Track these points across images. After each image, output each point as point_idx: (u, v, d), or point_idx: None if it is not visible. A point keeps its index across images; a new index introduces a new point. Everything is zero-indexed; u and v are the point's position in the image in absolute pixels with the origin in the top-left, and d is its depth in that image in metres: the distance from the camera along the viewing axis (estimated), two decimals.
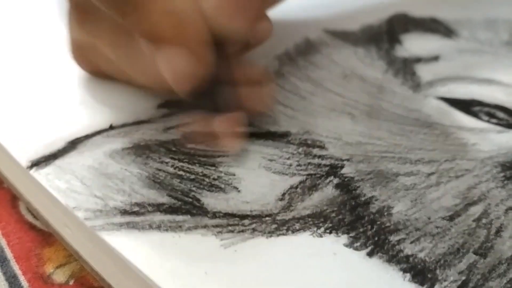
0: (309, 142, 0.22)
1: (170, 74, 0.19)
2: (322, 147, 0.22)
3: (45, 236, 0.20)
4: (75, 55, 0.24)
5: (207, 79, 0.19)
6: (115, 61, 0.22)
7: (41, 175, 0.19)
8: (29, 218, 0.21)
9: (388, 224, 0.18)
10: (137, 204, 0.18)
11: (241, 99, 0.21)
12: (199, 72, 0.19)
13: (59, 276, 0.19)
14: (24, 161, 0.20)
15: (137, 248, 0.17)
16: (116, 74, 0.23)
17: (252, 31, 0.21)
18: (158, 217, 0.18)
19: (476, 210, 0.19)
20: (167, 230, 0.17)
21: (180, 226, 0.18)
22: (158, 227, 0.17)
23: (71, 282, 0.19)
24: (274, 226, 0.18)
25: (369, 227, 0.18)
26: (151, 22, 0.19)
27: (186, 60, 0.19)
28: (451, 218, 0.18)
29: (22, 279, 0.19)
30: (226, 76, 0.20)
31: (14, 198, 0.22)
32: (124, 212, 0.18)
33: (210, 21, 0.19)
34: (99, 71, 0.24)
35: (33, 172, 0.19)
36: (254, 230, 0.17)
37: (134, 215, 0.18)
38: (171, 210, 0.18)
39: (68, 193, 0.19)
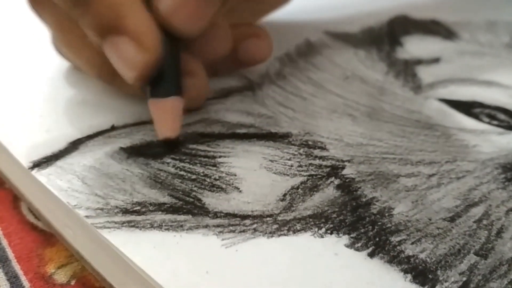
0: (310, 143, 0.22)
1: (117, 62, 0.20)
2: (323, 148, 0.22)
3: (46, 237, 0.20)
4: (55, 45, 0.24)
5: (154, 67, 0.20)
6: (60, 46, 0.24)
7: (42, 175, 0.19)
8: (31, 218, 0.21)
9: (389, 225, 0.18)
10: (138, 203, 0.18)
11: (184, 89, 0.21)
12: (144, 59, 0.19)
13: (61, 277, 0.19)
14: (26, 162, 0.20)
15: (138, 246, 0.17)
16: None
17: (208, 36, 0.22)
18: (159, 217, 0.18)
19: (477, 211, 0.19)
20: (168, 229, 0.17)
21: (182, 226, 0.18)
22: (159, 227, 0.18)
23: (73, 283, 0.19)
24: (275, 226, 0.18)
25: (370, 228, 0.18)
26: (97, 13, 0.19)
27: (129, 47, 0.19)
28: (452, 219, 0.18)
29: (24, 279, 0.19)
30: (175, 65, 0.21)
31: (15, 198, 0.22)
32: (125, 211, 0.18)
33: (164, 21, 0.20)
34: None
35: (35, 172, 0.19)
36: (255, 230, 0.18)
37: (135, 214, 0.18)
38: (172, 209, 0.18)
39: (70, 192, 0.19)
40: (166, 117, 0.20)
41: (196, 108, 0.23)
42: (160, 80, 0.20)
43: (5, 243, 0.20)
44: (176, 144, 0.21)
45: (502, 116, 0.24)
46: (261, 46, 0.24)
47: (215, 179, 0.20)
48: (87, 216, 0.18)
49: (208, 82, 0.23)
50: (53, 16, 0.22)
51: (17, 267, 0.19)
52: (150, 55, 0.19)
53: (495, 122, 0.24)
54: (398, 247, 0.17)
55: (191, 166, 0.20)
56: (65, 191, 0.19)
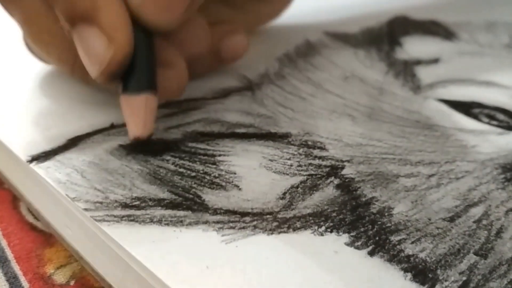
0: (309, 143, 0.22)
1: (84, 54, 0.19)
2: (322, 148, 0.22)
3: (45, 237, 0.20)
4: (25, 41, 0.24)
5: (122, 63, 0.19)
6: (30, 42, 0.22)
7: (41, 168, 0.19)
8: (30, 219, 0.21)
9: (388, 224, 0.18)
10: (137, 198, 0.18)
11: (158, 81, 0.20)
12: (112, 54, 0.19)
13: (60, 277, 0.19)
14: (24, 156, 0.20)
15: (137, 240, 0.17)
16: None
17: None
18: (158, 212, 0.18)
19: (477, 211, 0.19)
20: (168, 224, 0.17)
21: (181, 221, 0.18)
22: (159, 221, 0.17)
23: (72, 283, 0.19)
24: (275, 223, 0.18)
25: (370, 227, 0.18)
26: (72, 0, 0.19)
27: (98, 40, 0.19)
28: (451, 219, 0.18)
29: (23, 280, 0.19)
30: (148, 60, 0.20)
31: (15, 198, 0.22)
32: (125, 205, 0.18)
33: (136, 14, 0.19)
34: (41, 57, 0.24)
35: (33, 165, 0.19)
36: (255, 227, 0.18)
37: (134, 208, 0.18)
38: (172, 205, 0.18)
39: (68, 185, 0.19)
40: (136, 114, 0.19)
41: (175, 99, 0.22)
42: (132, 75, 0.19)
43: (4, 243, 0.20)
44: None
45: (501, 117, 0.24)
46: (241, 41, 0.25)
47: (215, 177, 0.20)
48: (86, 209, 0.18)
49: (187, 73, 0.22)
50: (22, 10, 0.21)
51: (16, 268, 0.19)
52: (119, 51, 0.19)
53: (494, 122, 0.24)
54: (398, 246, 0.17)
55: (190, 164, 0.20)
56: (63, 184, 0.19)
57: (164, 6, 0.19)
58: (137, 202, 0.18)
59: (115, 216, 0.17)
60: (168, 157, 0.20)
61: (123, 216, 0.18)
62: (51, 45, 0.22)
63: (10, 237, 0.20)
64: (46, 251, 0.20)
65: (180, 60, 0.22)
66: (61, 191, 0.18)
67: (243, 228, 0.17)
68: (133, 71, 0.19)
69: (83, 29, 0.19)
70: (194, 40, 0.22)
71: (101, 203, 0.18)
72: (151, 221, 0.17)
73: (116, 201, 0.18)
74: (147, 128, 0.19)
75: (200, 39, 0.22)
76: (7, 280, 0.18)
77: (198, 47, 0.22)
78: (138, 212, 0.18)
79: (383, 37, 0.30)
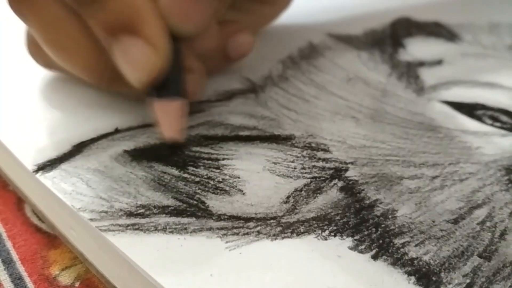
0: (313, 145, 0.22)
1: (127, 64, 0.19)
2: (326, 150, 0.22)
3: (50, 239, 0.20)
4: (29, 48, 0.24)
5: (163, 71, 0.20)
6: (49, 50, 0.22)
7: (47, 178, 0.19)
8: (35, 220, 0.21)
9: (392, 227, 0.18)
10: (142, 206, 0.18)
11: (187, 87, 0.21)
12: (156, 63, 0.19)
13: (65, 278, 0.19)
14: (30, 165, 0.20)
15: (142, 249, 0.17)
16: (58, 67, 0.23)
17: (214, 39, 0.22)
18: (163, 219, 0.18)
19: (480, 213, 0.19)
20: (172, 232, 0.17)
21: (185, 228, 0.18)
22: (164, 229, 0.18)
23: (77, 284, 0.19)
24: (279, 228, 0.18)
25: (374, 230, 0.18)
26: (112, 11, 0.19)
27: (143, 50, 0.19)
28: (455, 221, 0.18)
29: (28, 281, 0.19)
30: (178, 66, 0.21)
31: (19, 200, 0.22)
32: (130, 214, 0.18)
33: (164, 17, 0.20)
34: (52, 65, 0.24)
35: (39, 176, 0.19)
36: (259, 232, 0.18)
37: (139, 217, 0.18)
38: (176, 212, 0.18)
39: (74, 195, 0.19)
40: (172, 119, 0.20)
41: (194, 101, 0.23)
42: (165, 81, 0.20)
43: (9, 245, 0.20)
44: (180, 147, 0.21)
45: (505, 118, 0.24)
46: (247, 40, 0.25)
47: (219, 182, 0.20)
48: (91, 219, 0.18)
49: (205, 77, 0.23)
50: (40, 17, 0.21)
51: (21, 269, 0.19)
52: (163, 59, 0.19)
53: (498, 124, 0.24)
54: (401, 249, 0.17)
55: (194, 169, 0.20)
56: (69, 194, 0.19)
57: (191, 12, 0.20)
58: (142, 210, 0.18)
59: (120, 226, 0.18)
60: (172, 162, 0.20)
61: (128, 225, 0.18)
62: (75, 54, 0.21)
63: (15, 238, 0.20)
64: (51, 253, 0.20)
65: (199, 64, 0.22)
66: (66, 202, 0.18)
67: (247, 234, 0.17)
68: (168, 78, 0.20)
69: (125, 39, 0.19)
70: (205, 40, 0.22)
71: (106, 212, 0.18)
72: (156, 229, 0.18)
73: (121, 210, 0.18)
74: (182, 131, 0.21)
75: (211, 39, 0.23)
76: (12, 282, 0.19)
77: (208, 46, 0.23)
78: (142, 221, 0.18)
79: (386, 39, 0.30)
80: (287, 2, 0.29)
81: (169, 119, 0.20)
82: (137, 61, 0.19)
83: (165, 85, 0.20)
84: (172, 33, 0.20)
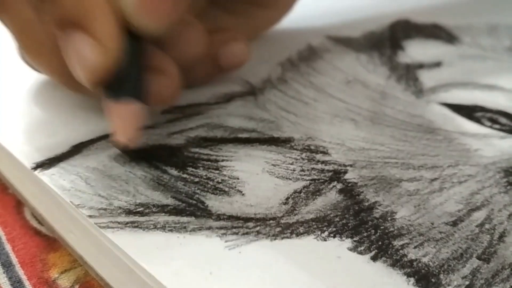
0: (312, 147, 0.22)
1: (74, 62, 0.19)
2: (325, 152, 0.22)
3: (50, 242, 0.20)
4: (19, 51, 0.23)
5: (112, 70, 0.18)
6: (26, 55, 0.22)
7: (45, 175, 0.19)
8: (34, 223, 0.21)
9: (391, 229, 0.18)
10: (141, 205, 0.18)
11: (150, 88, 0.20)
12: (103, 62, 0.18)
13: (64, 281, 0.19)
14: (28, 163, 0.20)
15: (141, 247, 0.17)
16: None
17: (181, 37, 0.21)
18: (162, 218, 0.18)
19: (479, 215, 0.19)
20: (171, 230, 0.17)
21: (185, 227, 0.18)
22: (163, 227, 0.18)
23: (76, 287, 0.19)
24: (278, 229, 0.18)
25: (373, 231, 0.18)
26: (64, 5, 0.18)
27: (89, 47, 0.18)
28: (454, 224, 0.19)
29: (27, 284, 0.19)
30: (137, 67, 0.20)
31: (19, 203, 0.22)
32: (129, 212, 0.18)
33: (127, 16, 0.19)
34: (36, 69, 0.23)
35: (38, 173, 0.19)
36: (258, 232, 0.18)
37: (138, 215, 0.18)
38: (175, 211, 0.18)
39: (73, 192, 0.19)
40: (125, 123, 0.19)
41: (166, 105, 0.22)
42: (121, 82, 0.19)
43: (8, 248, 0.20)
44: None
45: (504, 120, 0.24)
46: (241, 50, 0.24)
47: (218, 182, 0.20)
48: (90, 216, 0.18)
49: (180, 80, 0.22)
50: (14, 21, 0.21)
51: (20, 272, 0.19)
52: (110, 59, 0.18)
53: (497, 126, 0.24)
54: (401, 251, 0.17)
55: (193, 169, 0.20)
56: (68, 191, 0.19)
57: (153, 8, 0.19)
58: (141, 209, 0.18)
59: (119, 223, 0.18)
60: (171, 163, 0.20)
61: (127, 223, 0.18)
62: (43, 56, 0.21)
63: (14, 241, 0.20)
64: (51, 256, 0.20)
65: (172, 66, 0.21)
66: (65, 198, 0.18)
67: (246, 233, 0.17)
68: (122, 78, 0.19)
69: (73, 35, 0.18)
70: (188, 44, 0.22)
71: (105, 209, 0.18)
72: (155, 227, 0.18)
73: (120, 208, 0.18)
74: (133, 136, 0.19)
75: (195, 44, 0.22)
76: (12, 285, 0.19)
77: (192, 52, 0.22)
78: (142, 219, 0.18)
79: (385, 41, 0.31)
80: (288, 7, 0.29)
81: (122, 123, 0.19)
82: (83, 58, 0.18)
83: (121, 85, 0.19)
84: (134, 30, 0.19)
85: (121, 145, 0.19)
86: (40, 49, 0.21)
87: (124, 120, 0.19)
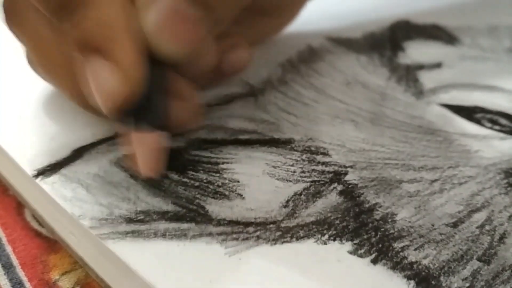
0: (312, 149, 0.22)
1: (95, 87, 0.18)
2: (325, 154, 0.22)
3: (50, 243, 0.20)
4: (28, 59, 0.23)
5: (133, 98, 0.18)
6: (38, 69, 0.22)
7: (46, 183, 0.19)
8: (35, 225, 0.21)
9: (392, 231, 0.18)
10: (142, 212, 0.18)
11: (171, 114, 0.19)
12: (123, 90, 0.18)
13: (65, 283, 0.19)
14: (30, 170, 0.20)
15: (142, 256, 0.17)
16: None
17: (203, 56, 0.21)
18: (163, 225, 0.18)
19: (480, 217, 0.19)
20: (172, 238, 0.17)
21: (185, 234, 0.18)
22: (163, 235, 0.18)
23: None
24: (278, 233, 0.18)
25: (373, 234, 0.18)
26: (85, 29, 0.18)
27: (110, 74, 0.17)
28: (454, 225, 0.19)
29: (28, 286, 0.19)
30: (160, 91, 0.19)
31: (19, 205, 0.22)
32: (129, 220, 0.18)
33: (149, 41, 0.18)
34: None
35: (39, 181, 0.19)
36: (258, 237, 0.18)
37: (139, 223, 0.18)
38: (176, 218, 0.18)
39: (74, 201, 0.19)
40: (148, 153, 0.18)
41: (186, 131, 0.22)
42: (145, 112, 0.18)
43: (9, 249, 0.20)
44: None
45: (504, 121, 0.24)
46: (243, 55, 0.24)
47: (218, 186, 0.20)
48: (91, 227, 0.18)
49: (200, 105, 0.22)
50: (31, 36, 0.20)
51: (21, 274, 0.19)
52: (132, 89, 0.18)
53: (497, 127, 0.24)
54: (401, 253, 0.17)
55: (194, 173, 0.20)
56: (69, 201, 0.19)
57: (176, 33, 0.18)
58: (142, 217, 0.18)
59: (119, 233, 0.18)
60: (171, 168, 0.20)
61: (128, 232, 0.18)
62: (56, 74, 0.21)
63: (15, 243, 0.20)
64: (51, 257, 0.20)
65: (193, 91, 0.21)
66: (67, 209, 0.18)
67: (247, 239, 0.18)
68: (144, 106, 0.18)
69: (94, 60, 0.18)
70: (204, 61, 0.22)
71: (106, 219, 0.18)
72: (155, 235, 0.18)
73: (120, 217, 0.18)
74: (159, 166, 0.19)
75: (210, 59, 0.22)
76: (13, 286, 0.19)
77: (206, 67, 0.22)
78: (142, 227, 0.18)
79: (385, 42, 0.30)
80: (293, 16, 0.29)
81: (144, 153, 0.18)
82: (104, 85, 0.18)
83: (142, 113, 0.18)
84: (157, 57, 0.18)
85: (145, 177, 0.19)
86: (54, 68, 0.21)
87: (147, 150, 0.18)
